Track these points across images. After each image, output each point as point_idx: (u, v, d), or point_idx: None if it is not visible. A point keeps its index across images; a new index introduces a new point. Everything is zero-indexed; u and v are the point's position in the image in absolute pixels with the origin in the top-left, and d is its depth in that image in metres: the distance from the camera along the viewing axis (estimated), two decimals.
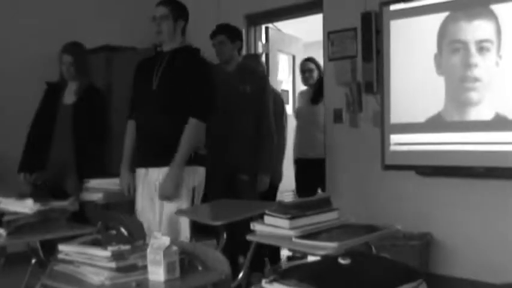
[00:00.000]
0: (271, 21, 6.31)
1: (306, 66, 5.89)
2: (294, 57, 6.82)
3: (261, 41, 6.27)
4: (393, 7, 4.96)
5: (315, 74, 5.85)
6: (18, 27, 5.59)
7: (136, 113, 3.71)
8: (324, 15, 5.59)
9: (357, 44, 5.26)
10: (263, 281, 1.72)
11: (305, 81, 5.94)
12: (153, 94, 3.58)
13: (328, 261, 1.89)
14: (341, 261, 1.79)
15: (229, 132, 4.32)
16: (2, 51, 5.46)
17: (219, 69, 4.45)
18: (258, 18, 6.21)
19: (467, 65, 4.51)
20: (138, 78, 3.78)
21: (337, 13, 5.44)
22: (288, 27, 6.64)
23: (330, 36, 5.46)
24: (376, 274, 1.78)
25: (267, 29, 6.30)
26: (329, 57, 5.50)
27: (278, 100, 4.99)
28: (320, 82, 5.77)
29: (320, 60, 5.71)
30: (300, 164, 5.88)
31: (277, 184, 5.02)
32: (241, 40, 4.70)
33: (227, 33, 4.57)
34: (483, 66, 4.45)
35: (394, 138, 4.96)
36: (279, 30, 6.58)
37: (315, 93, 5.82)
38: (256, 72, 4.70)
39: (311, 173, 5.61)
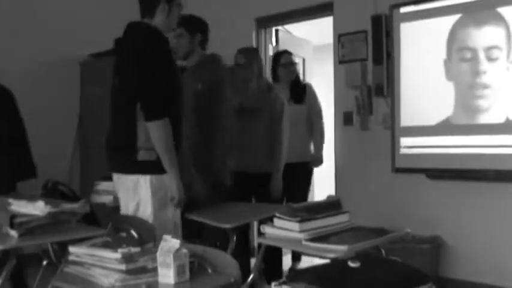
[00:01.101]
0: (282, 24, 6.30)
1: (289, 59, 5.38)
2: (304, 60, 6.81)
3: (271, 43, 6.28)
4: (403, 10, 4.96)
5: (294, 68, 5.42)
6: (27, 31, 5.63)
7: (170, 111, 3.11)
8: (334, 17, 5.59)
9: (367, 46, 5.25)
10: (272, 284, 1.73)
11: (287, 75, 5.33)
12: (182, 93, 3.30)
13: (338, 264, 1.89)
14: (351, 264, 1.79)
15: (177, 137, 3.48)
16: (13, 55, 5.50)
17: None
18: (268, 21, 6.21)
19: (477, 72, 4.51)
20: (176, 71, 3.25)
21: (347, 16, 5.44)
22: (298, 29, 6.64)
23: (341, 38, 5.46)
24: (386, 277, 1.77)
25: (277, 31, 6.30)
26: (339, 60, 5.49)
27: (277, 103, 4.53)
28: (298, 78, 5.49)
29: (330, 62, 5.68)
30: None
31: (277, 199, 4.49)
32: (204, 32, 4.18)
33: (186, 25, 4.08)
34: (493, 72, 4.44)
35: (404, 141, 4.95)
36: (289, 32, 6.58)
37: (298, 91, 5.36)
38: (211, 69, 4.07)
39: (295, 179, 4.96)
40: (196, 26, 4.16)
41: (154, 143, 2.98)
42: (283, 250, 4.68)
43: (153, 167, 3.02)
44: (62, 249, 3.33)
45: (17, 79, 5.46)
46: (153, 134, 2.97)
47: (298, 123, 5.16)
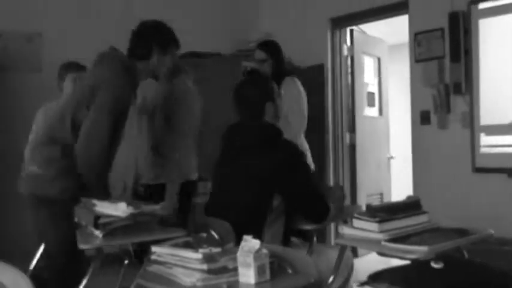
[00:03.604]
0: (356, 23, 6.26)
1: (260, 56, 4.73)
2: (379, 60, 6.74)
3: (345, 43, 6.24)
4: (482, 5, 4.84)
5: (267, 65, 4.68)
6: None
7: None
8: (410, 16, 5.51)
9: (444, 44, 5.15)
10: (354, 284, 1.72)
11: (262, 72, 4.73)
12: None
13: (420, 265, 1.87)
14: (434, 265, 1.77)
15: None
16: (91, 57, 5.64)
17: None
18: (342, 21, 6.18)
19: None
20: None
21: (423, 14, 5.35)
22: (372, 29, 6.58)
23: (417, 37, 5.37)
24: (471, 279, 1.74)
25: (351, 31, 6.26)
26: (416, 59, 5.41)
27: (173, 96, 3.86)
28: (277, 73, 4.60)
29: (406, 62, 5.60)
30: None
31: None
32: None
33: None
34: None
35: (485, 139, 4.83)
36: (363, 32, 6.53)
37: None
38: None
39: None
40: None
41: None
42: None
43: None
44: (141, 249, 3.41)
45: None
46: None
47: None
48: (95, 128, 3.16)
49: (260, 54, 4.73)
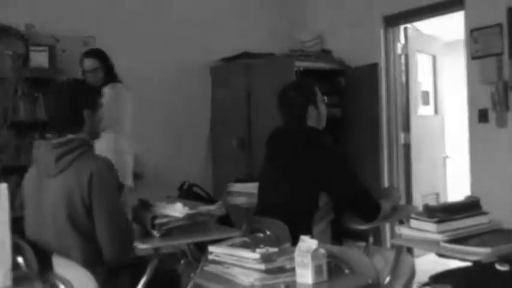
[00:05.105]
0: (410, 21, 6.16)
1: (91, 65, 4.66)
2: (434, 57, 6.63)
3: (399, 42, 6.15)
4: None
5: (99, 73, 4.66)
6: (163, 41, 5.84)
7: None
8: (466, 12, 5.39)
9: (502, 40, 5.03)
10: (415, 285, 1.69)
11: (93, 82, 4.54)
12: None
13: (485, 267, 1.82)
14: (499, 267, 1.72)
15: None
16: (151, 64, 5.72)
17: None
18: (396, 19, 6.09)
19: None
20: None
21: (480, 9, 5.23)
22: (427, 26, 6.48)
23: (473, 33, 5.26)
24: None
25: (405, 29, 6.17)
26: (472, 56, 5.29)
27: None
28: (108, 79, 4.67)
29: (461, 59, 5.49)
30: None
31: None
32: None
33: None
34: None
35: None
36: (417, 30, 6.43)
37: None
38: None
39: None
40: None
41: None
42: None
43: None
44: (198, 249, 3.44)
45: (154, 86, 5.73)
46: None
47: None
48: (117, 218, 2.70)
49: (92, 63, 4.67)
